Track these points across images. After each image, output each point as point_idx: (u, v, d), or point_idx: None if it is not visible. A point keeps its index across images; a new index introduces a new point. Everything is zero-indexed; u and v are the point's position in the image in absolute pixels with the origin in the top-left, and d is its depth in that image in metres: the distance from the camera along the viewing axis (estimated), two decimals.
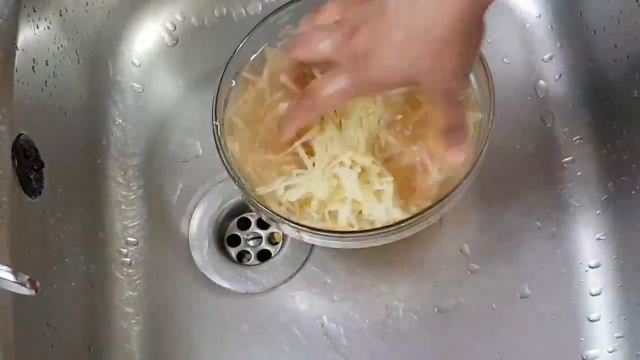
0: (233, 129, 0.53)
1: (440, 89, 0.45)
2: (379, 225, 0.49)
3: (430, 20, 0.41)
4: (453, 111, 0.47)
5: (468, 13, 0.41)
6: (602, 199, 0.59)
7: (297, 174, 0.50)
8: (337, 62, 0.45)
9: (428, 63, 0.42)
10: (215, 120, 0.52)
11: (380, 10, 0.42)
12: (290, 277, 0.60)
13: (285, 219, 0.49)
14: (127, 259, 0.62)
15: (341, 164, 0.49)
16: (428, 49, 0.42)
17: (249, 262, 0.62)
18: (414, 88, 0.49)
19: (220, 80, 0.53)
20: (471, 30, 0.42)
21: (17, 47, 0.54)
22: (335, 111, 0.50)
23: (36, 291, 0.44)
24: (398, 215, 0.49)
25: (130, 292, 0.61)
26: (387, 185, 0.49)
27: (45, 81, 0.58)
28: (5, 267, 0.43)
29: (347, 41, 0.44)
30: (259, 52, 0.55)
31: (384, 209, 0.49)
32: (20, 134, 0.52)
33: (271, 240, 0.63)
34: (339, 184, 0.49)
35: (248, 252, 0.63)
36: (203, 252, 0.62)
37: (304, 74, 0.51)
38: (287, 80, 0.51)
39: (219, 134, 0.52)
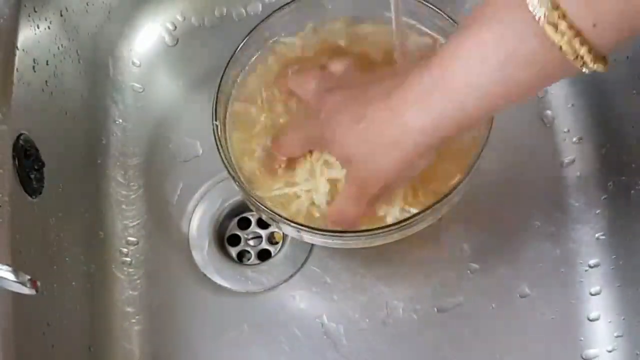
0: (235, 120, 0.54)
1: (359, 183, 0.47)
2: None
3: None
4: (352, 206, 0.48)
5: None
6: (602, 198, 0.59)
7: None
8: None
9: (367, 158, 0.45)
10: (215, 120, 0.52)
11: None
12: (291, 277, 0.60)
13: (285, 218, 0.49)
14: (128, 259, 0.62)
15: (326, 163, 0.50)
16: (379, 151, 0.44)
17: (249, 262, 0.62)
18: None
19: (221, 80, 0.53)
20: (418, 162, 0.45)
21: (17, 47, 0.54)
22: None
23: (36, 291, 0.44)
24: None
25: (130, 292, 0.61)
26: None
27: (46, 81, 0.58)
28: (5, 267, 0.43)
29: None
30: (259, 52, 0.55)
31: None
32: (21, 134, 0.52)
33: (271, 239, 0.63)
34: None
35: (248, 252, 0.63)
36: (203, 252, 0.62)
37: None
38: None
39: (219, 133, 0.52)
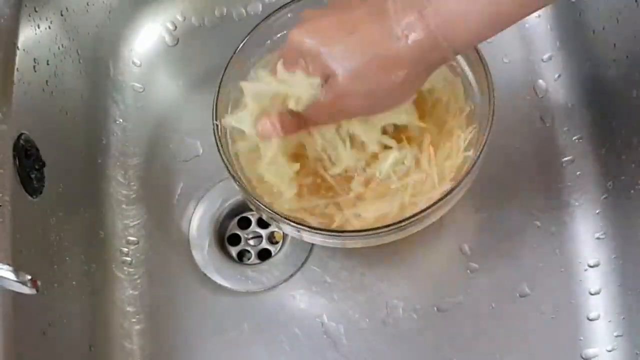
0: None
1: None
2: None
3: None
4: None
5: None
6: (602, 198, 0.59)
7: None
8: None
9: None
10: (216, 119, 0.52)
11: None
12: (291, 276, 0.60)
13: (285, 218, 0.49)
14: (128, 258, 0.62)
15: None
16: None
17: (249, 261, 0.62)
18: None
19: (221, 80, 0.53)
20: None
21: (18, 47, 0.54)
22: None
23: (37, 290, 0.44)
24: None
25: (130, 291, 0.61)
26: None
27: (46, 81, 0.58)
28: (6, 267, 0.43)
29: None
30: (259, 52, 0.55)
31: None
32: (21, 134, 0.52)
33: (271, 239, 0.63)
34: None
35: (248, 251, 0.63)
36: (203, 251, 0.62)
37: None
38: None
39: (219, 133, 0.52)
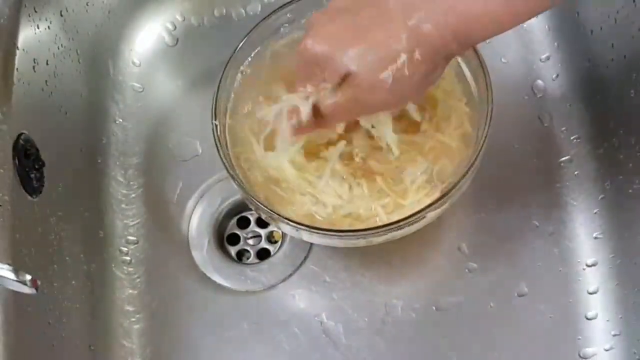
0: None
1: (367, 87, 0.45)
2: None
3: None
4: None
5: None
6: (599, 198, 0.59)
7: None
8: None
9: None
10: (215, 119, 0.52)
11: None
12: (290, 276, 0.60)
13: (284, 217, 0.49)
14: (128, 258, 0.63)
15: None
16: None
17: (248, 261, 0.63)
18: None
19: (220, 79, 0.53)
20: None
21: (17, 47, 0.54)
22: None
23: (37, 290, 0.45)
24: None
25: (130, 291, 0.62)
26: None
27: (46, 81, 0.58)
28: (6, 266, 0.44)
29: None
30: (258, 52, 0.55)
31: None
32: (21, 134, 0.53)
33: (270, 239, 0.63)
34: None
35: (247, 251, 0.63)
36: (203, 251, 0.62)
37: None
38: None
39: (218, 133, 0.52)
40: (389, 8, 0.43)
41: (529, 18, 0.42)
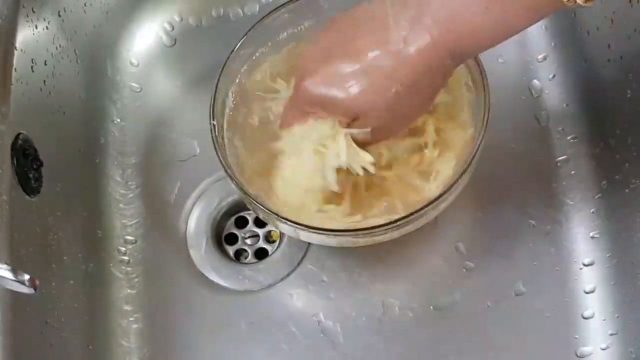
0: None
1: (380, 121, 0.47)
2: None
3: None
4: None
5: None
6: (596, 197, 0.59)
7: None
8: None
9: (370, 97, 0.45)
10: (213, 119, 0.52)
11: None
12: (287, 275, 0.61)
13: (282, 217, 0.50)
14: (126, 257, 0.63)
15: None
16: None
17: (246, 260, 0.63)
18: None
19: (218, 80, 0.53)
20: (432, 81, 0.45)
21: (15, 47, 0.54)
22: None
23: (35, 289, 0.45)
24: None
25: (128, 290, 0.62)
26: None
27: (44, 81, 0.58)
28: (4, 266, 0.44)
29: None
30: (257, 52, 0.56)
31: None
32: (19, 134, 0.53)
33: (268, 238, 0.63)
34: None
35: (245, 251, 0.63)
36: (201, 251, 0.62)
37: None
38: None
39: (216, 133, 0.52)
40: (387, 24, 0.44)
41: (524, 29, 0.43)
